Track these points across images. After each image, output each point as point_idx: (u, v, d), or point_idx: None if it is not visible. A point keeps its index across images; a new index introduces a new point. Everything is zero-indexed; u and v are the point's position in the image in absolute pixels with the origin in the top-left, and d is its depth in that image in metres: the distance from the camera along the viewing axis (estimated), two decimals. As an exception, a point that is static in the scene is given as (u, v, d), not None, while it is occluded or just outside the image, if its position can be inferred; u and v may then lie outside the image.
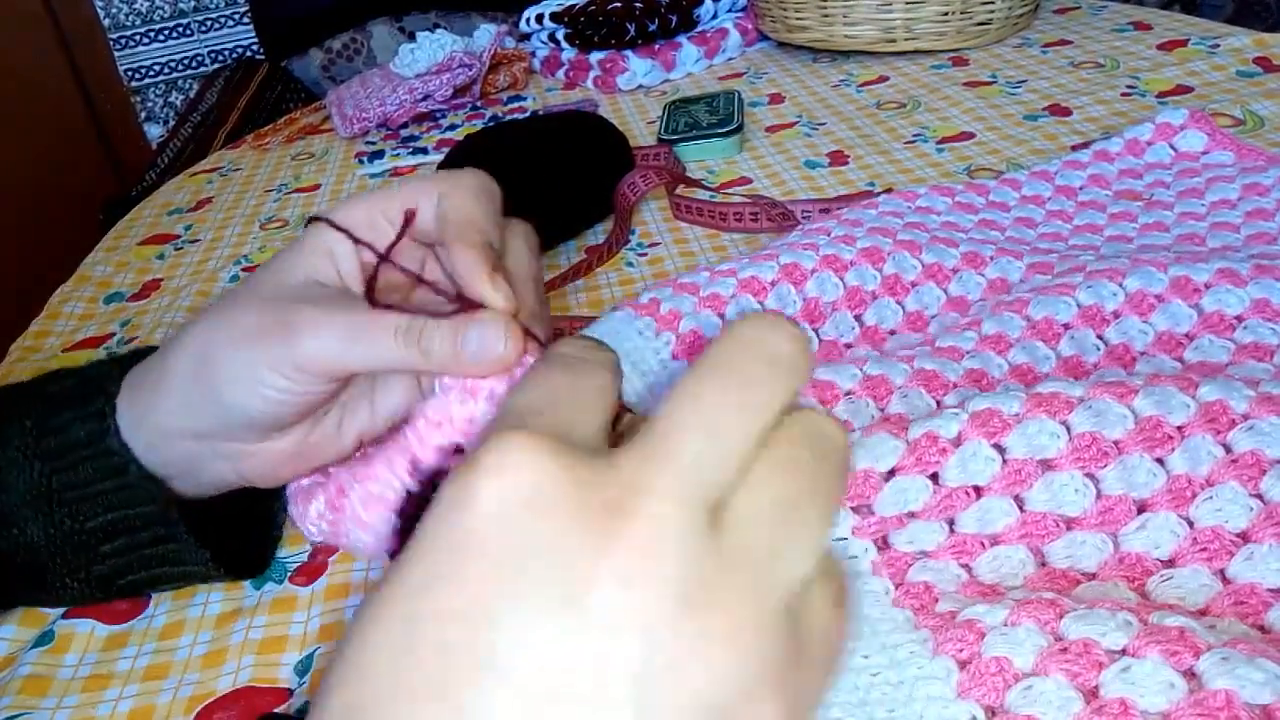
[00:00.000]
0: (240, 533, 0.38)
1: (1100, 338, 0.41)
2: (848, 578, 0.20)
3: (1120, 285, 0.42)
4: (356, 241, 0.31)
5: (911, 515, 0.31)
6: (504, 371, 0.28)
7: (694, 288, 0.46)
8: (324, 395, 0.31)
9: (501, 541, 0.17)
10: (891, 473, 0.32)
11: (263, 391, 0.29)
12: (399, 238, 0.31)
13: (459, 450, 0.28)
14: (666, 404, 0.18)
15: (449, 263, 0.29)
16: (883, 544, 0.31)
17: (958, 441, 0.32)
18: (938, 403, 0.37)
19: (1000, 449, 0.32)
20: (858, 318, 0.46)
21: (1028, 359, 0.40)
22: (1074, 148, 0.63)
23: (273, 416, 0.30)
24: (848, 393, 0.38)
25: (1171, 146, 0.59)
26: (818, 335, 0.45)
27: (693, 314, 0.45)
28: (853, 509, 0.32)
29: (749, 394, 0.18)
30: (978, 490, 0.31)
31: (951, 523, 0.31)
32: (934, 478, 0.32)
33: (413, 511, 0.28)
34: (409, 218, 0.31)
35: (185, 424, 0.31)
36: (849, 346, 0.45)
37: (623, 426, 0.24)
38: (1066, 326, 0.41)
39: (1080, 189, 0.56)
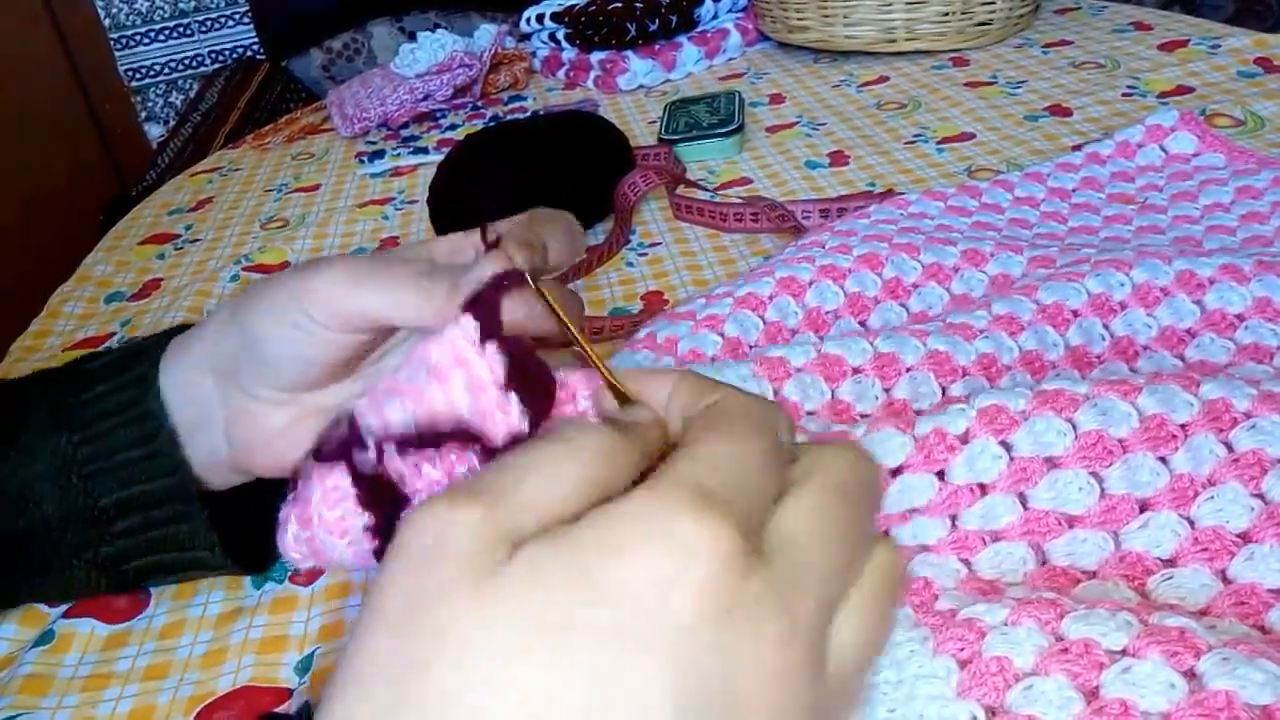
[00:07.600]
0: (246, 527, 0.38)
1: (1106, 328, 0.41)
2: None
3: (1127, 275, 0.42)
4: (484, 240, 0.31)
5: (915, 511, 0.31)
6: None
7: (689, 315, 0.45)
8: (340, 352, 0.31)
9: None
10: (898, 469, 0.32)
11: (284, 329, 0.30)
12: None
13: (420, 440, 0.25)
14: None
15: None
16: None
17: (965, 438, 0.32)
18: (943, 389, 0.37)
19: (1007, 446, 0.31)
20: (862, 324, 0.45)
21: (1037, 345, 0.40)
22: (1074, 148, 0.63)
23: (287, 359, 0.30)
24: (856, 369, 0.37)
25: (1162, 149, 0.59)
26: (823, 342, 0.45)
27: (690, 335, 0.44)
28: None
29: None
30: (983, 488, 0.31)
31: (954, 518, 0.31)
32: (940, 475, 0.32)
33: (374, 498, 0.25)
34: (493, 240, 0.31)
35: (209, 354, 0.32)
36: None
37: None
38: (1075, 313, 0.41)
39: (1074, 191, 0.56)
